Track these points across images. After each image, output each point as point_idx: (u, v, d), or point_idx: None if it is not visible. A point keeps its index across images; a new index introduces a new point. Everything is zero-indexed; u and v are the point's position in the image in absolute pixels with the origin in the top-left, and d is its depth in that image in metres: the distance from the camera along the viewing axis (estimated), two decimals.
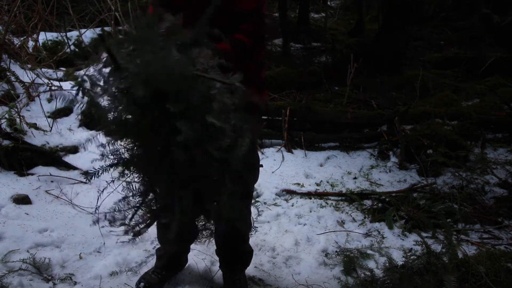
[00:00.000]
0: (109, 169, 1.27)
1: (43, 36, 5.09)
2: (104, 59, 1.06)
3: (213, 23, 1.58)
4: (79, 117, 3.79)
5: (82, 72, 4.38)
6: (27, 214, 2.56)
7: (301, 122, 4.28)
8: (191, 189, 1.19)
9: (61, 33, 5.24)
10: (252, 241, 2.15)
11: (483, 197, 3.16)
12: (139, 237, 1.42)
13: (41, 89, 3.84)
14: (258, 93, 1.78)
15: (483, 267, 1.72)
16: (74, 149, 3.38)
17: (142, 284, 2.00)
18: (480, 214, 2.91)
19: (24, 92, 3.70)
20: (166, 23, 1.10)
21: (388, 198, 3.12)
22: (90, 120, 3.81)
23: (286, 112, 4.09)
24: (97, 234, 2.39)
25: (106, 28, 5.06)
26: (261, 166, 1.97)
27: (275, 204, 3.04)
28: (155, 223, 2.02)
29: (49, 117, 3.63)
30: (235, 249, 2.03)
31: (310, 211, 2.98)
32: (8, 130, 3.11)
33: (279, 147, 4.00)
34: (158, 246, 2.09)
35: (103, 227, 2.32)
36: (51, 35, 5.37)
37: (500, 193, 3.23)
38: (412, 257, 1.87)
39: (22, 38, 4.56)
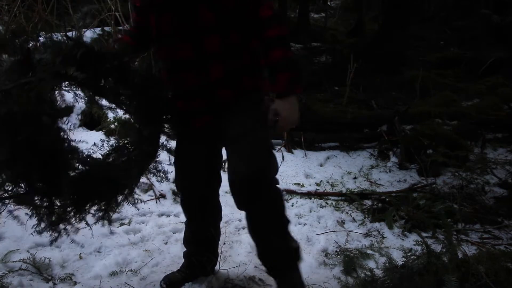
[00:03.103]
0: None
1: None
2: None
3: (234, 28, 1.66)
4: (79, 117, 3.79)
5: None
6: (27, 214, 2.55)
7: (301, 122, 4.26)
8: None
9: (61, 33, 5.21)
10: (251, 241, 2.13)
11: (483, 197, 3.15)
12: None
13: None
14: (260, 80, 1.83)
15: (483, 267, 1.72)
16: None
17: (162, 282, 2.03)
18: (480, 214, 2.91)
19: None
20: None
21: (388, 198, 3.12)
22: (90, 120, 3.81)
23: None
24: (97, 234, 2.39)
25: (106, 28, 5.06)
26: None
27: None
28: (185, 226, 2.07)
29: None
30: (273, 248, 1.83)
31: (310, 211, 2.98)
32: None
33: (279, 147, 4.00)
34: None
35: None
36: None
37: (500, 193, 3.23)
38: (412, 257, 1.87)
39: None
